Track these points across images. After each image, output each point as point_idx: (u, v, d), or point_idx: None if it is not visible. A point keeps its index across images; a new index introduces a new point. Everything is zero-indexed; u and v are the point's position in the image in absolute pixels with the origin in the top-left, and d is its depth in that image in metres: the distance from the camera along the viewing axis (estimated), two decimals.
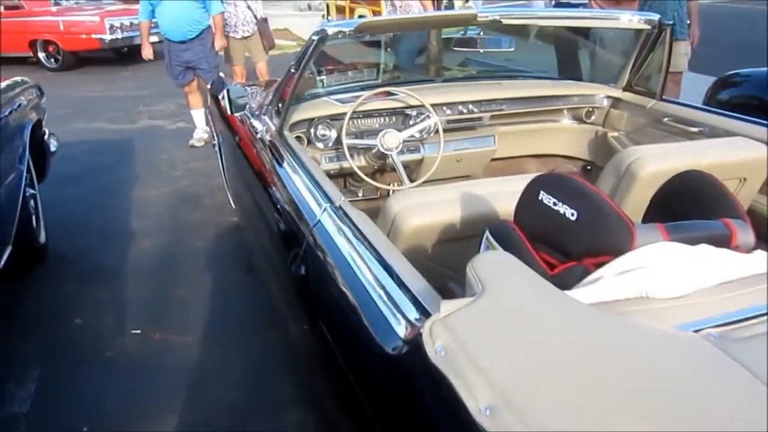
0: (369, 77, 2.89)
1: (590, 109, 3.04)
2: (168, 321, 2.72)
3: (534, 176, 1.17)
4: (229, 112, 2.48)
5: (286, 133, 2.29)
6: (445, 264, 1.69)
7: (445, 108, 2.76)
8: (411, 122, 2.71)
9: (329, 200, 1.62)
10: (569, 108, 3.04)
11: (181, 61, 5.12)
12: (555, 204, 1.09)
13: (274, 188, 2.11)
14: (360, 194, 3.07)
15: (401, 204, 1.59)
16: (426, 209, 1.58)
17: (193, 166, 4.87)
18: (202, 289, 2.98)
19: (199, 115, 5.43)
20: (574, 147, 3.17)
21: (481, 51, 2.73)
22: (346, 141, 2.44)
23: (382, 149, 2.47)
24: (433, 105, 2.63)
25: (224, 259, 3.30)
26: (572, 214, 1.06)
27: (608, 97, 2.96)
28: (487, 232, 1.20)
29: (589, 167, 3.18)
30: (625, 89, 2.93)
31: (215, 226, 3.72)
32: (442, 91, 2.82)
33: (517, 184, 1.81)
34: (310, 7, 19.23)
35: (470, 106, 2.79)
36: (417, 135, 2.62)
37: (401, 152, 2.59)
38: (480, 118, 2.84)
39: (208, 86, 4.40)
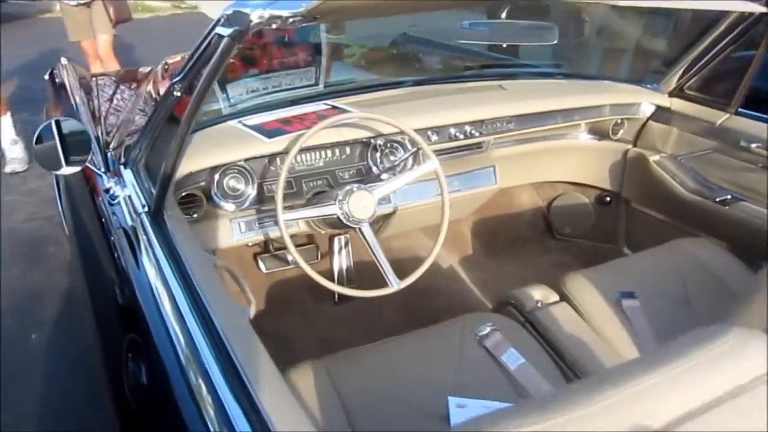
0: (304, 81, 1.77)
1: (618, 121, 2.12)
2: None
3: None
4: (63, 167, 1.27)
5: (167, 214, 1.16)
6: None
7: (429, 133, 1.72)
8: (378, 157, 1.67)
9: None
10: (590, 120, 2.11)
11: None
12: None
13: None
14: (290, 259, 2.01)
15: None
16: None
17: (33, 185, 3.49)
18: None
19: (4, 126, 3.67)
20: (590, 172, 2.26)
21: (504, 45, 1.69)
22: (283, 216, 1.34)
23: (345, 220, 1.41)
24: (415, 130, 1.58)
25: (72, 366, 2.07)
26: None
27: (651, 104, 2.05)
28: None
29: (608, 198, 2.28)
30: (672, 94, 2.03)
31: (61, 296, 2.46)
32: (421, 105, 1.76)
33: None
34: None
35: (467, 128, 1.77)
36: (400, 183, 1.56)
37: None
38: (480, 144, 1.84)
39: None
